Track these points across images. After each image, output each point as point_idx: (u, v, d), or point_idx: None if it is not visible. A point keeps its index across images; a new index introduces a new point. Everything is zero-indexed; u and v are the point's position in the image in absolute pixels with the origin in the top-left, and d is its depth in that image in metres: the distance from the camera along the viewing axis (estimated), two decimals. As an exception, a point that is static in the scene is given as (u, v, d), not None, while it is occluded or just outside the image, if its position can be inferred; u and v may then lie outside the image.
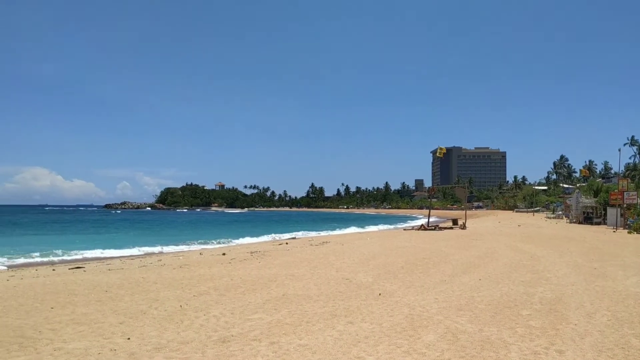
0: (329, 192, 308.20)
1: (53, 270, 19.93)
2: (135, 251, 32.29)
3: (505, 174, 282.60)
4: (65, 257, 28.32)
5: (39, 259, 27.35)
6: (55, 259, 27.73)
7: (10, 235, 51.16)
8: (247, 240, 43.02)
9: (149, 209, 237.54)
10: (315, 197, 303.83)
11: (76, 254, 29.68)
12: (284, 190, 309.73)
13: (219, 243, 39.65)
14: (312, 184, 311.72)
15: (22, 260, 26.77)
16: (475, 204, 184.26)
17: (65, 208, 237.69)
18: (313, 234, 51.84)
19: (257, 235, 49.65)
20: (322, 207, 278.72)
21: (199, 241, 40.61)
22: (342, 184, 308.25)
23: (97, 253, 30.57)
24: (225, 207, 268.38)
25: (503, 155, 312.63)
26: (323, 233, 53.12)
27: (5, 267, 23.15)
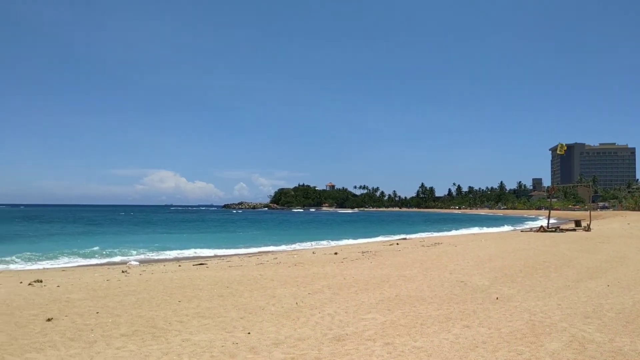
0: (440, 192, 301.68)
1: (179, 266, 21.35)
2: (253, 249, 33.78)
3: (635, 172, 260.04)
4: (188, 254, 30.27)
5: (166, 255, 29.50)
6: (180, 255, 29.73)
7: (144, 233, 55.53)
8: (358, 240, 43.27)
9: (267, 209, 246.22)
10: (425, 197, 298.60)
11: (198, 251, 31.63)
12: (394, 191, 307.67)
13: (330, 242, 40.31)
14: (422, 183, 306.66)
15: (152, 256, 29.01)
16: (600, 204, 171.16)
17: (188, 208, 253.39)
18: (424, 235, 50.99)
19: (368, 235, 49.81)
20: (433, 207, 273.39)
21: (312, 240, 41.59)
22: (454, 184, 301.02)
23: (218, 251, 32.36)
24: (336, 207, 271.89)
25: (632, 152, 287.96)
26: (434, 234, 52.09)
27: (137, 263, 25.16)
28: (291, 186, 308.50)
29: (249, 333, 8.38)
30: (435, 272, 15.92)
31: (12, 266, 23.97)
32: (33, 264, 25.05)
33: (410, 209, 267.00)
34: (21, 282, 15.54)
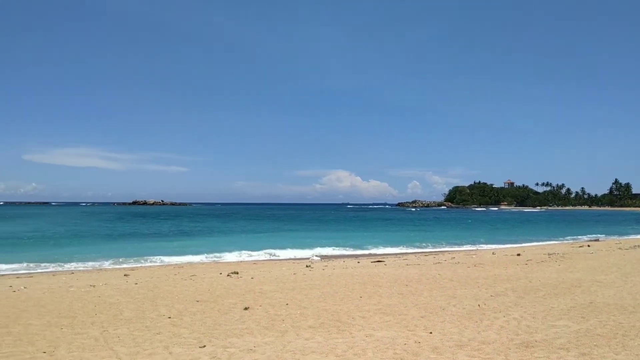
0: (638, 189, 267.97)
1: (358, 262, 22.01)
2: (428, 249, 33.54)
3: None
4: (367, 251, 31.02)
5: (345, 252, 30.60)
6: (359, 252, 30.61)
7: (323, 230, 58.22)
8: (543, 241, 40.42)
9: (444, 207, 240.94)
10: (619, 194, 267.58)
11: (376, 248, 32.27)
12: (582, 188, 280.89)
13: (511, 243, 38.29)
14: (616, 179, 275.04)
15: (332, 252, 30.30)
16: None
17: (363, 206, 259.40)
18: (620, 237, 45.80)
19: (553, 236, 46.31)
20: (629, 206, 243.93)
21: (491, 240, 39.91)
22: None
23: (394, 249, 32.70)
24: (515, 206, 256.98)
25: None
26: (632, 236, 46.51)
27: (319, 258, 26.47)
28: (465, 184, 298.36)
29: (430, 333, 8.33)
30: (638, 278, 14.25)
31: (206, 257, 26.86)
32: (239, 255, 27.87)
33: (602, 208, 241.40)
34: (220, 274, 17.32)
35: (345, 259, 25.16)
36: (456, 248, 34.11)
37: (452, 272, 16.51)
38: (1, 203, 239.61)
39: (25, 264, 24.29)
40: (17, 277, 19.09)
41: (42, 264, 24.48)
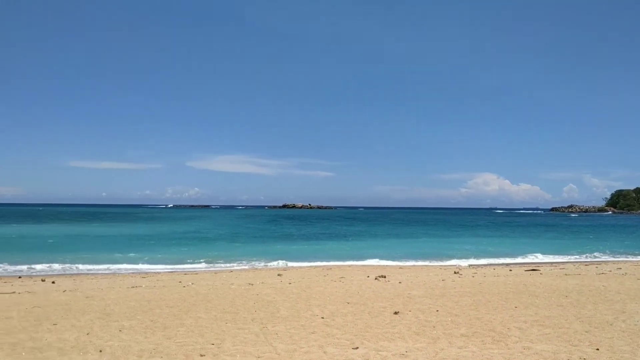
0: None
1: (510, 270, 20.97)
2: (585, 257, 30.94)
3: None
4: (519, 259, 29.42)
5: (496, 259, 29.31)
6: (510, 260, 29.13)
7: (469, 235, 56.36)
8: None
9: (610, 212, 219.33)
10: None
11: (528, 257, 30.47)
12: None
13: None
14: None
15: (481, 259, 29.22)
16: None
17: (513, 211, 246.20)
18: None
19: None
20: None
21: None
22: None
23: (550, 257, 30.63)
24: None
25: None
26: None
27: (467, 265, 25.66)
28: (631, 187, 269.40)
29: (597, 349, 7.70)
30: None
31: (367, 261, 27.32)
32: (384, 259, 28.12)
33: None
34: (368, 276, 17.56)
35: (496, 267, 24.11)
36: (622, 258, 31.01)
37: (619, 283, 15.07)
38: (170, 206, 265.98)
39: (189, 262, 26.76)
40: (185, 274, 21.05)
41: (203, 262, 26.79)
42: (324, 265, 24.75)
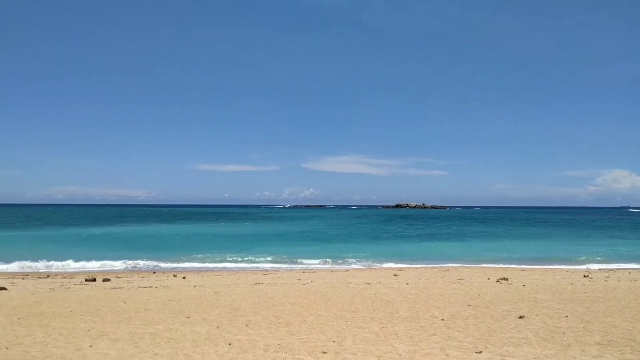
0: None
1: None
2: None
3: None
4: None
5: (629, 264, 26.98)
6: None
7: (599, 237, 52.38)
8: None
9: None
10: None
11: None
12: None
13: None
14: None
15: (611, 262, 27.04)
16: None
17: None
18: None
19: None
20: None
21: None
22: None
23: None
24: None
25: None
26: None
27: (597, 268, 23.89)
28: None
29: None
30: None
31: (483, 264, 26.46)
32: (505, 260, 27.01)
33: None
34: (489, 279, 16.95)
35: (632, 271, 22.17)
36: None
37: None
38: (287, 206, 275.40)
39: (306, 260, 27.49)
40: (303, 272, 21.65)
41: (319, 261, 27.38)
42: (441, 267, 24.26)
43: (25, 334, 8.74)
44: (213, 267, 25.37)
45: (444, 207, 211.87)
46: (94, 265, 25.99)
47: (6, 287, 15.61)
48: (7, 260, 27.17)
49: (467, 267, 23.82)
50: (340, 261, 27.55)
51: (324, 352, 7.58)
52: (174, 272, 22.05)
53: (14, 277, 20.36)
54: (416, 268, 23.61)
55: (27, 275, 21.62)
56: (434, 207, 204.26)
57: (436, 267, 23.72)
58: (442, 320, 9.86)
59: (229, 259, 28.52)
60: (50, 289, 15.37)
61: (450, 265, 25.33)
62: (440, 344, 8.08)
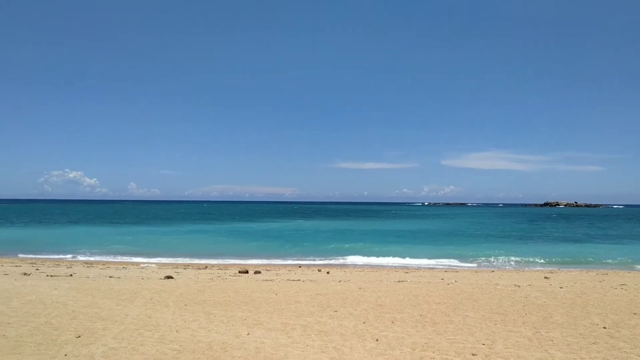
0: None
1: None
2: None
3: None
4: None
5: None
6: None
7: None
8: None
9: None
10: None
11: None
12: None
13: None
14: None
15: None
16: None
17: None
18: None
19: None
20: None
21: None
22: None
23: None
24: None
25: None
26: None
27: None
28: None
29: None
30: None
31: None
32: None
33: None
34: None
35: None
36: None
37: None
38: (426, 204, 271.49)
39: (447, 259, 26.91)
40: (445, 271, 21.24)
41: (458, 260, 26.63)
42: (598, 270, 22.35)
43: (192, 319, 9.62)
44: (351, 263, 25.88)
45: (598, 206, 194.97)
46: (245, 258, 27.83)
47: (173, 276, 17.33)
48: (173, 252, 30.15)
49: (630, 272, 21.68)
50: (484, 261, 26.58)
51: (473, 354, 7.41)
52: (318, 267, 22.84)
53: (177, 267, 22.48)
54: (569, 271, 22.01)
55: (188, 266, 23.74)
56: (587, 206, 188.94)
57: (593, 271, 21.91)
58: (604, 328, 9.11)
59: (369, 255, 28.87)
60: (210, 279, 16.73)
61: (610, 269, 23.25)
62: (602, 353, 7.49)
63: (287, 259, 27.44)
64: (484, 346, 7.86)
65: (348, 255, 29.03)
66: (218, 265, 24.22)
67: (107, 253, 30.25)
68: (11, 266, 21.07)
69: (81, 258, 27.69)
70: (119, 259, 27.32)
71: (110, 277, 16.92)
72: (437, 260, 26.83)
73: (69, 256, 28.29)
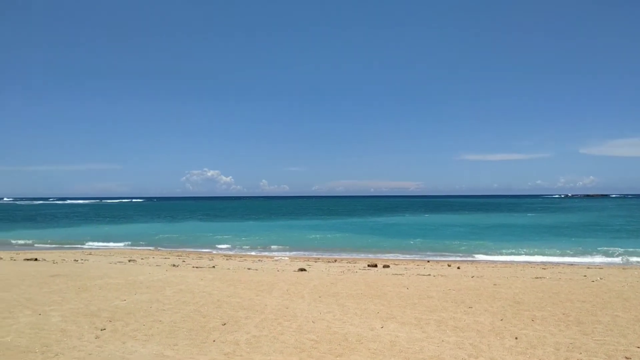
0: None
1: None
2: None
3: None
4: None
5: None
6: None
7: None
8: None
9: None
10: None
11: None
12: None
13: None
14: None
15: None
16: None
17: None
18: None
19: None
20: None
21: None
22: None
23: None
24: None
25: None
26: None
27: None
28: None
29: None
30: None
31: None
32: None
33: None
34: None
35: None
36: None
37: None
38: (563, 196, 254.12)
39: (589, 255, 25.00)
40: (588, 268, 19.82)
41: (600, 255, 24.61)
42: None
43: (326, 311, 9.91)
44: (482, 259, 24.97)
45: None
46: (372, 252, 28.05)
47: (305, 268, 17.97)
48: (303, 246, 31.26)
49: None
50: (628, 257, 24.33)
51: (627, 358, 6.85)
52: (448, 262, 22.37)
53: (308, 260, 23.25)
54: None
55: (319, 259, 24.44)
56: None
57: None
58: None
59: (500, 250, 27.70)
60: (341, 272, 17.10)
61: None
62: None
63: (415, 254, 27.18)
64: (638, 349, 7.25)
65: (478, 249, 28.09)
66: (347, 259, 24.64)
67: (242, 246, 32.12)
68: (161, 258, 23.13)
69: (220, 251, 29.65)
70: (253, 252, 28.84)
71: (249, 269, 17.92)
72: (578, 256, 25.01)
73: (205, 250, 30.42)
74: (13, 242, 34.96)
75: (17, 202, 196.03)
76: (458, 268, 19.30)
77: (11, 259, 21.10)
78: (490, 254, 26.34)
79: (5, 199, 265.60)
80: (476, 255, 26.11)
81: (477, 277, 15.50)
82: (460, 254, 26.69)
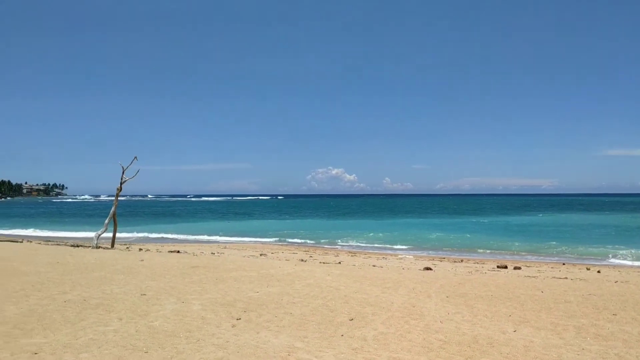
0: None
1: None
2: None
3: None
4: None
5: None
6: None
7: None
8: None
9: None
10: None
11: None
12: None
13: None
14: None
15: None
16: None
17: None
18: None
19: None
20: None
21: None
22: None
23: None
24: None
25: None
26: None
27: None
28: None
29: None
30: None
31: None
32: None
33: None
34: None
35: None
36: None
37: None
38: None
39: None
40: None
41: None
42: None
43: (454, 311, 9.68)
44: (624, 263, 22.85)
45: None
46: (500, 253, 26.90)
47: (431, 267, 17.70)
48: (427, 244, 30.80)
49: None
50: None
51: None
52: (587, 265, 20.82)
53: (433, 259, 22.87)
54: None
55: (444, 258, 23.94)
56: None
57: None
58: None
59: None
60: (468, 272, 16.62)
61: None
62: None
63: (548, 256, 25.62)
64: None
65: (621, 253, 25.78)
66: (474, 259, 23.87)
67: (366, 243, 32.37)
68: (289, 253, 24.04)
69: (344, 247, 30.13)
70: (376, 250, 28.93)
71: (374, 266, 18.04)
72: None
73: (329, 246, 31.03)
74: (157, 235, 38.27)
75: (158, 199, 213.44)
76: (598, 272, 17.90)
77: (157, 250, 23.05)
78: (638, 260, 24.04)
79: (149, 195, 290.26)
80: (619, 260, 23.99)
81: (622, 282, 14.26)
82: (600, 257, 24.69)
